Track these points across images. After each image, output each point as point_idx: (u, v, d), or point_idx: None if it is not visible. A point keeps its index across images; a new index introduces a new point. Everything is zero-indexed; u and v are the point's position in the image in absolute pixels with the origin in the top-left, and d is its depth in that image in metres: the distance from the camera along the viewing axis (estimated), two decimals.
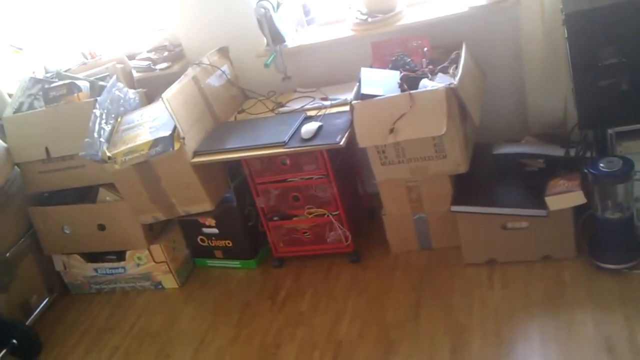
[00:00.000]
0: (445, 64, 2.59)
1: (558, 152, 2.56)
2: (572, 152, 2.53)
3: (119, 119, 2.87)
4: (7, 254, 3.02)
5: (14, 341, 2.83)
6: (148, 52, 3.32)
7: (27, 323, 3.00)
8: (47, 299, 3.20)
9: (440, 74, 2.54)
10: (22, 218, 3.14)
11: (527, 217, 2.43)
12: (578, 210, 2.40)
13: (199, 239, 3.13)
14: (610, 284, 2.31)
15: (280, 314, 2.70)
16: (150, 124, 2.77)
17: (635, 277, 2.30)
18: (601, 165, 2.27)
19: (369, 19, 2.81)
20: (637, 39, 2.16)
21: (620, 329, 2.12)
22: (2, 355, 2.77)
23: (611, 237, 2.37)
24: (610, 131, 2.38)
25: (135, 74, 3.20)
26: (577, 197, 2.31)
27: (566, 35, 2.27)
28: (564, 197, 2.33)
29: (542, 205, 2.36)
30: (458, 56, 2.55)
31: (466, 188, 2.58)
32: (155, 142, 2.65)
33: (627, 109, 2.27)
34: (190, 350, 2.66)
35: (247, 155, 2.68)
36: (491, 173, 2.63)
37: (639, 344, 2.04)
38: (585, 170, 2.32)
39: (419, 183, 2.63)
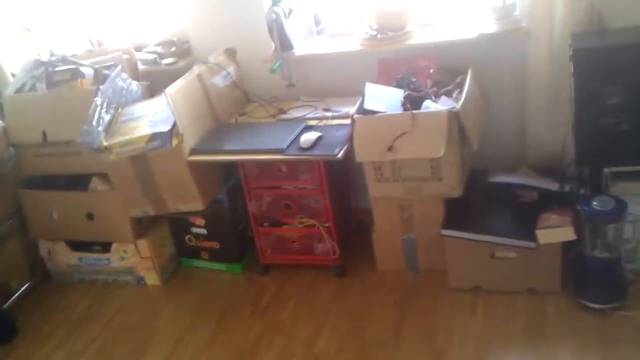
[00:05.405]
0: (450, 87, 2.60)
1: (552, 185, 2.56)
2: (567, 188, 2.53)
3: (119, 110, 2.86)
4: None
5: None
6: (155, 45, 3.31)
7: (4, 306, 2.96)
8: (28, 284, 3.17)
9: (443, 97, 2.55)
10: (12, 199, 3.13)
11: (515, 248, 2.43)
12: (567, 246, 2.39)
13: (186, 238, 3.11)
14: (592, 322, 2.31)
15: (260, 321, 2.69)
16: (150, 117, 2.76)
17: (618, 318, 2.29)
18: (594, 203, 2.28)
19: (379, 35, 2.82)
20: None
21: None
22: None
23: (598, 276, 2.36)
24: (606, 170, 2.38)
25: (141, 66, 3.19)
26: (567, 233, 2.31)
27: (572, 71, 2.28)
28: (555, 231, 2.34)
29: (532, 237, 2.36)
30: (463, 81, 2.56)
31: (458, 213, 2.58)
32: (154, 136, 2.64)
33: (625, 150, 2.29)
34: (166, 349, 2.63)
35: (244, 159, 2.68)
36: (484, 200, 2.63)
37: None
38: (578, 207, 2.32)
39: (412, 203, 2.63)
